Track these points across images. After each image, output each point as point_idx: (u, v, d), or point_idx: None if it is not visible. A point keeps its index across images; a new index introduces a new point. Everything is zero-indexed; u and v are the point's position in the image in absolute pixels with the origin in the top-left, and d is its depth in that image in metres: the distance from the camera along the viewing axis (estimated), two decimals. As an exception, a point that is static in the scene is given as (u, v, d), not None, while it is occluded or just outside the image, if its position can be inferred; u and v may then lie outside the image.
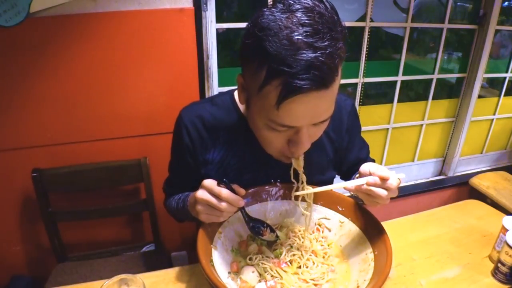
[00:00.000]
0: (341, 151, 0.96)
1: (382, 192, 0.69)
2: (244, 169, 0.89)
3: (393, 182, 0.68)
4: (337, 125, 0.92)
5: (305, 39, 0.57)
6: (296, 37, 0.57)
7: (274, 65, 0.58)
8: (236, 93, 0.88)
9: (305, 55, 0.56)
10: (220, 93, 0.93)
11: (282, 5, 0.61)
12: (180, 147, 0.89)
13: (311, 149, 0.78)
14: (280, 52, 0.57)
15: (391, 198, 0.71)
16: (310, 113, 0.64)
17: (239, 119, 0.86)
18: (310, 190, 0.80)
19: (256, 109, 0.69)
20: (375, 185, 0.69)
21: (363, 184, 0.70)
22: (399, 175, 0.71)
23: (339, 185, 0.76)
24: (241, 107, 0.87)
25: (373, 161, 1.04)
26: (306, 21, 0.58)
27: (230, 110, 0.87)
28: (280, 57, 0.57)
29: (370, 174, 0.71)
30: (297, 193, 0.80)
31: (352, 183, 0.73)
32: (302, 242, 0.82)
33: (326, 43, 0.57)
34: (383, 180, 0.68)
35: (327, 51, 0.57)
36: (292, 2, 0.60)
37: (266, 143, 0.75)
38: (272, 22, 0.59)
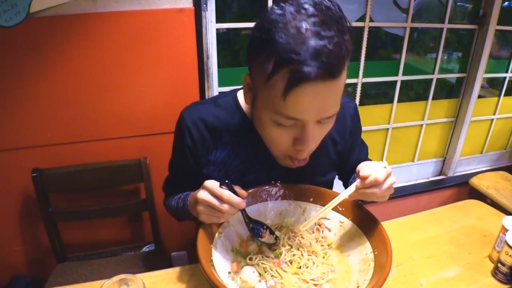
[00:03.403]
0: (344, 154, 0.96)
1: (374, 190, 0.69)
2: (246, 170, 0.88)
3: (379, 176, 0.69)
4: (341, 128, 0.92)
5: (313, 28, 0.58)
6: (305, 26, 0.58)
7: (282, 54, 0.59)
8: (239, 94, 0.88)
9: (313, 42, 0.58)
10: (223, 94, 0.93)
11: (291, 1, 0.62)
12: (181, 148, 0.89)
13: (314, 152, 0.77)
14: (288, 41, 0.58)
15: (393, 197, 0.72)
16: (317, 106, 0.64)
17: (242, 121, 0.86)
18: (316, 216, 0.80)
19: (263, 103, 0.69)
20: (363, 186, 0.70)
21: (355, 190, 0.72)
22: (383, 164, 0.72)
23: (337, 200, 0.77)
24: (245, 108, 0.86)
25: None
26: (314, 12, 0.59)
27: (233, 112, 0.86)
28: (288, 46, 0.58)
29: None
30: (305, 226, 0.81)
31: (346, 194, 0.73)
32: (302, 243, 0.82)
33: (333, 33, 0.59)
34: (365, 178, 0.69)
35: (334, 40, 0.58)
36: (301, 1, 0.62)
37: (272, 142, 0.74)
38: (281, 15, 0.60)
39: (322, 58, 0.58)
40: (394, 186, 0.75)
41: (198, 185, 0.73)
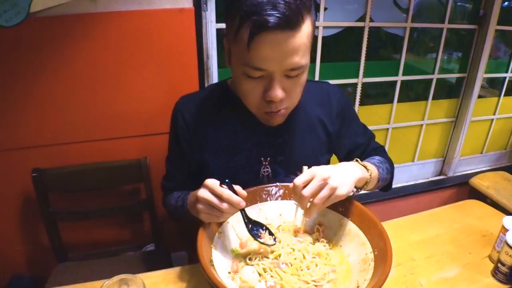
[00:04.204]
0: (334, 136, 0.98)
1: (298, 199, 0.72)
2: (236, 149, 0.91)
3: (295, 181, 0.71)
4: (326, 109, 0.96)
5: None
6: None
7: (246, 8, 0.66)
8: (229, 81, 0.94)
9: None
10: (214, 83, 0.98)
11: None
12: (176, 134, 0.94)
13: (302, 131, 0.83)
14: None
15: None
16: (278, 55, 0.69)
17: (229, 99, 0.90)
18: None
19: (235, 57, 0.75)
20: (294, 197, 0.73)
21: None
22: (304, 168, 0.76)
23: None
24: (232, 88, 0.91)
25: (381, 147, 1.06)
26: None
27: (221, 92, 0.93)
28: (250, 2, 0.65)
29: None
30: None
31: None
32: (302, 244, 0.82)
33: None
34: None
35: None
36: None
37: (246, 97, 0.79)
38: None
39: (279, 9, 0.64)
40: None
41: (195, 176, 0.73)
